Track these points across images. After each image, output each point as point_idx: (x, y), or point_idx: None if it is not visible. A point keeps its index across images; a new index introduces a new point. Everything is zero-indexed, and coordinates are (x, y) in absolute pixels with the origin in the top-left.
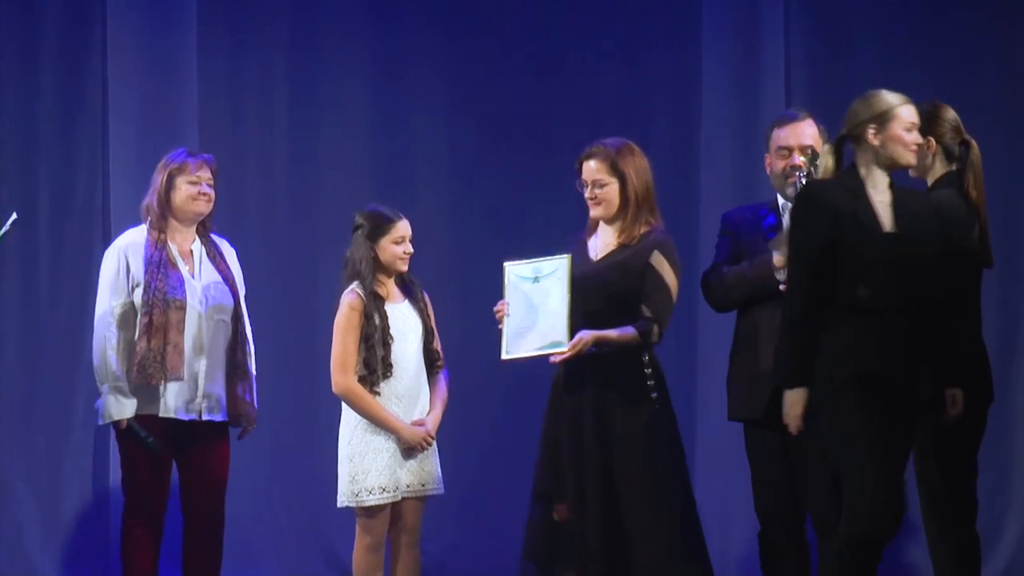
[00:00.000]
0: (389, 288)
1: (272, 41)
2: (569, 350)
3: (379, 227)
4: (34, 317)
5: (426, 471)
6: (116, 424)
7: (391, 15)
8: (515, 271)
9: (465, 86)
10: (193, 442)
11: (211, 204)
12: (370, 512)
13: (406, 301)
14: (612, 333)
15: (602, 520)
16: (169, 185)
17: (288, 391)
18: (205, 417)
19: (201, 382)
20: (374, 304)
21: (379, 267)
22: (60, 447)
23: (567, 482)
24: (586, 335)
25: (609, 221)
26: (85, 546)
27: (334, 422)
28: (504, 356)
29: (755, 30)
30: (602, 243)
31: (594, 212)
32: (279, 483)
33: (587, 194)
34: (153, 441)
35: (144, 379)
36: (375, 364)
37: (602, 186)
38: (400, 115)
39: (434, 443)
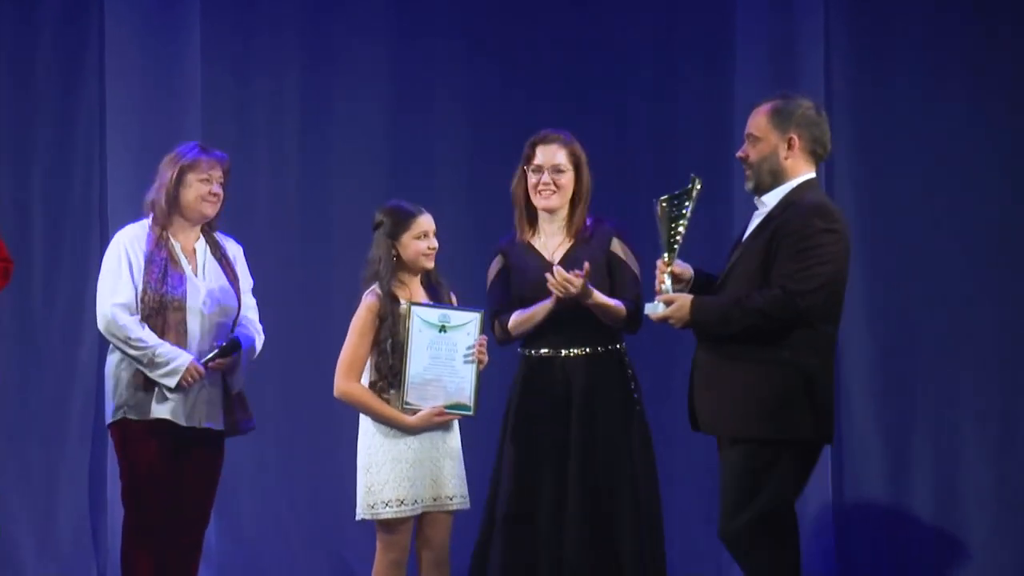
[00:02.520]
0: (412, 289)
1: (281, 27)
2: (563, 296)
3: (399, 223)
4: (28, 320)
5: (449, 483)
6: (191, 377)
7: (409, 4)
8: (420, 314)
9: (486, 78)
10: (189, 449)
11: (219, 206)
12: (389, 527)
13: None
14: (606, 299)
15: (584, 530)
16: (179, 182)
17: (299, 397)
18: (205, 424)
19: (203, 387)
20: (390, 307)
21: (401, 266)
22: (55, 457)
23: (543, 492)
24: (581, 284)
25: (553, 214)
26: (82, 562)
27: (348, 430)
28: (402, 404)
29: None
30: (552, 241)
31: (546, 202)
32: (288, 494)
33: (543, 179)
34: (229, 340)
35: (143, 380)
36: (385, 370)
37: (560, 172)
38: (418, 107)
39: (459, 454)
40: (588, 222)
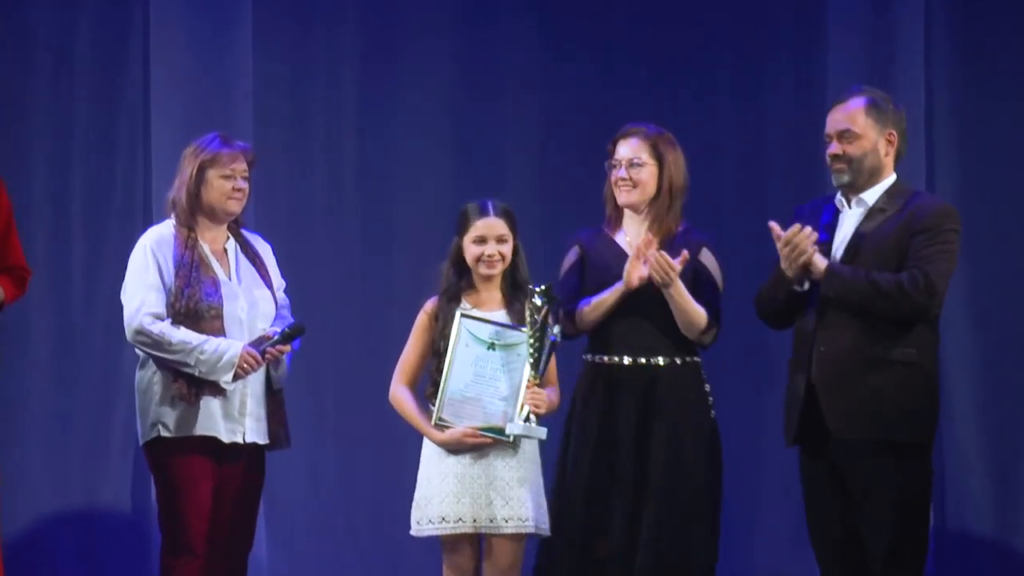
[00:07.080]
0: (487, 295)
1: (338, 13)
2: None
3: (461, 222)
4: (67, 324)
5: (507, 505)
6: (247, 364)
7: None
8: (470, 327)
9: (558, 64)
10: (230, 466)
11: (244, 201)
12: (446, 545)
13: (503, 311)
14: (689, 297)
15: (657, 552)
16: (200, 179)
17: (356, 408)
18: (249, 439)
19: (246, 399)
20: (446, 309)
21: (467, 269)
22: (96, 471)
23: (614, 512)
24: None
25: (637, 211)
26: None
27: (405, 442)
28: (435, 420)
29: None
30: (637, 240)
31: (625, 197)
32: (344, 508)
33: (620, 175)
34: (293, 324)
35: (181, 394)
36: (437, 377)
37: (639, 166)
38: (485, 97)
39: (532, 476)
40: (680, 228)
